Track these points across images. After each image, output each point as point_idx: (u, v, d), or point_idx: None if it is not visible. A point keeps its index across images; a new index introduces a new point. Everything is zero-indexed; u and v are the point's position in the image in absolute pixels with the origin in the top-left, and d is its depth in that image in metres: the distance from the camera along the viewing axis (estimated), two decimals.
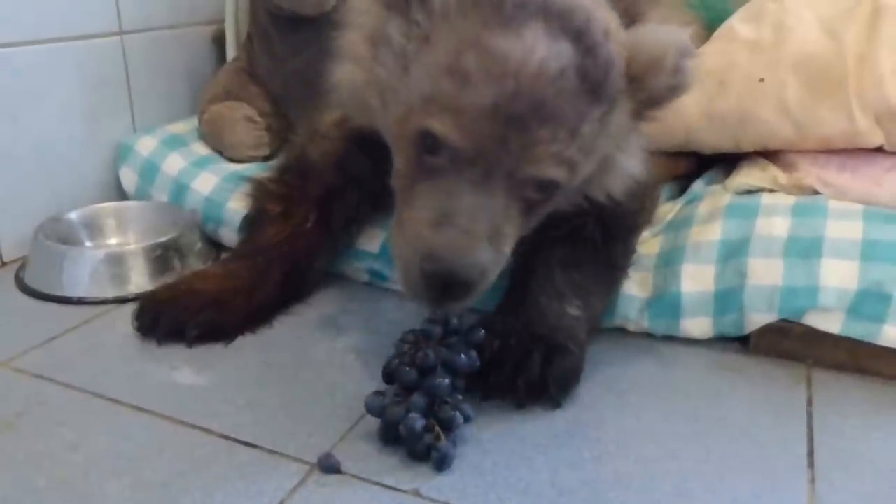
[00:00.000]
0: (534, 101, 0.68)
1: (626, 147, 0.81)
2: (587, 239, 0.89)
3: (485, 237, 0.70)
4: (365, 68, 0.79)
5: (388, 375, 0.77)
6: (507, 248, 0.73)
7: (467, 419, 0.74)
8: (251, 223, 1.04)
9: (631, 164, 0.83)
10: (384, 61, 0.75)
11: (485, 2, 0.69)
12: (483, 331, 0.79)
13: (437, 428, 0.71)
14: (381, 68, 0.76)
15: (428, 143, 0.71)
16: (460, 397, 0.75)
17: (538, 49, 0.68)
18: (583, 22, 0.70)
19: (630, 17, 1.27)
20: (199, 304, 0.92)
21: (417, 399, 0.73)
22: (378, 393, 0.75)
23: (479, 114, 0.68)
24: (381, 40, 0.76)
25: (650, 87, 0.73)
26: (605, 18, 0.72)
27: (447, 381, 0.74)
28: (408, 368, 0.75)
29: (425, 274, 0.70)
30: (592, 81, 0.70)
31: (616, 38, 0.72)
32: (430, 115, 0.70)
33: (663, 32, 0.74)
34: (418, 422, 0.71)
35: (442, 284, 0.70)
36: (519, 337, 0.81)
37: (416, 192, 0.73)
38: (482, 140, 0.69)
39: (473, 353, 0.77)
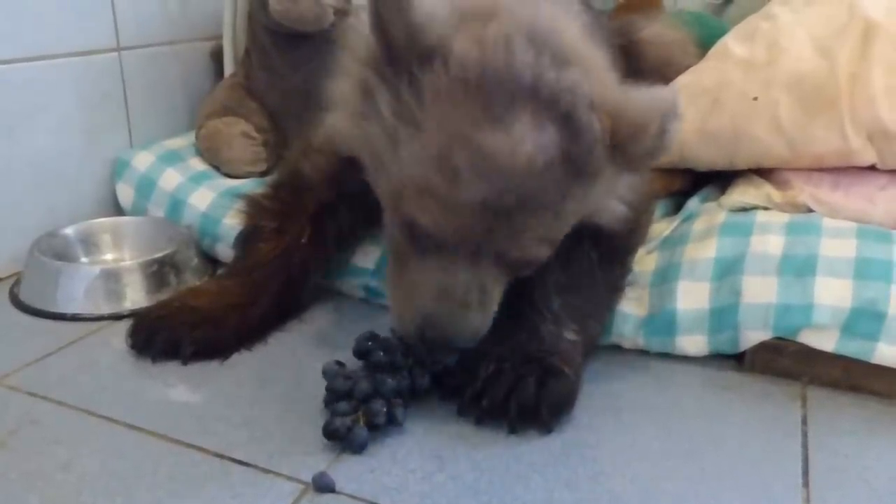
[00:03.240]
0: (521, 196, 0.70)
1: (614, 192, 0.82)
2: (584, 260, 0.89)
3: (476, 304, 0.75)
4: (355, 122, 0.81)
5: (359, 352, 0.82)
6: (496, 304, 0.79)
7: (391, 420, 0.78)
8: (245, 239, 1.04)
9: (617, 206, 0.85)
10: (373, 129, 0.77)
11: (474, 93, 0.69)
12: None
13: (362, 417, 0.77)
14: (370, 131, 0.77)
15: (418, 232, 0.74)
16: (400, 403, 0.79)
17: (526, 144, 0.69)
18: (569, 104, 0.71)
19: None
20: (193, 322, 0.92)
21: (363, 384, 0.78)
22: (340, 363, 0.82)
23: (468, 209, 0.70)
24: (371, 104, 0.77)
25: (633, 152, 0.75)
26: (590, 88, 0.72)
27: (392, 380, 0.79)
28: (381, 352, 0.81)
29: (426, 339, 0.76)
30: (577, 164, 0.72)
31: (601, 105, 0.73)
32: (418, 206, 0.73)
33: (649, 97, 0.75)
34: (342, 406, 0.78)
35: (446, 348, 0.78)
36: (514, 361, 0.81)
37: (412, 263, 0.77)
38: (469, 232, 0.72)
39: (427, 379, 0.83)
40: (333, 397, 0.79)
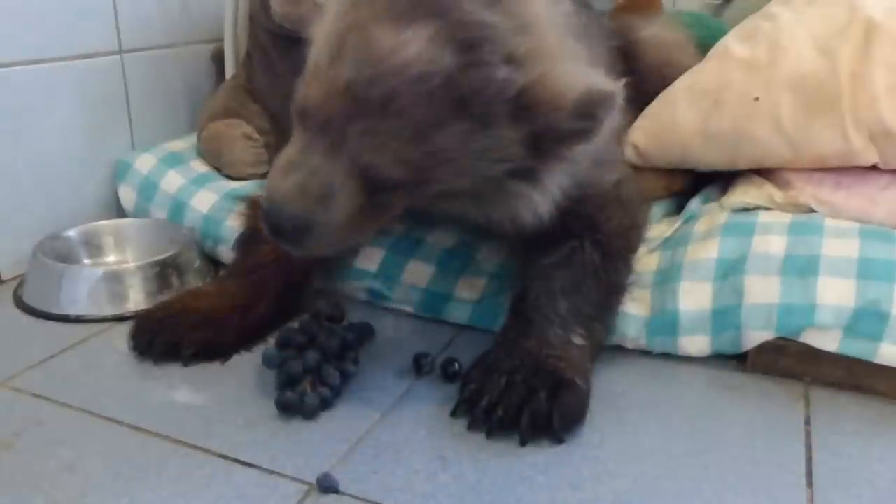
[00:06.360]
0: (385, 92, 0.69)
1: (537, 182, 0.80)
2: (587, 262, 0.89)
3: (317, 196, 0.73)
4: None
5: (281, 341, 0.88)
6: (341, 213, 0.74)
7: (344, 374, 0.85)
8: (246, 241, 1.04)
9: (539, 201, 0.81)
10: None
11: None
12: (457, 364, 0.89)
13: (316, 382, 0.83)
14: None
15: (296, 113, 0.76)
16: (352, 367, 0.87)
17: (411, 48, 0.69)
18: (476, 37, 0.70)
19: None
20: (194, 324, 0.93)
21: (309, 355, 0.84)
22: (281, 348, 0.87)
23: (336, 89, 0.71)
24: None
25: (545, 123, 0.73)
26: (519, 42, 0.72)
27: (333, 339, 0.86)
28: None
29: (262, 213, 0.76)
30: (461, 95, 0.70)
31: (524, 67, 0.72)
32: (304, 86, 0.75)
33: (581, 75, 0.74)
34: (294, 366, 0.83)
35: (274, 225, 0.75)
36: (525, 373, 0.80)
37: (292, 138, 0.78)
38: (332, 114, 0.72)
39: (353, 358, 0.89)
40: (284, 375, 0.84)
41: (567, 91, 0.71)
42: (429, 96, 0.70)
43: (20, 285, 1.12)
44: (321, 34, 0.76)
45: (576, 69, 0.75)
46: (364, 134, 0.71)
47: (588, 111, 0.72)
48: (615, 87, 0.72)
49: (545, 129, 0.73)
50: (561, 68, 0.74)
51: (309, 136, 0.74)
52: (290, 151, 0.76)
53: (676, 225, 1.09)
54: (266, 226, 0.76)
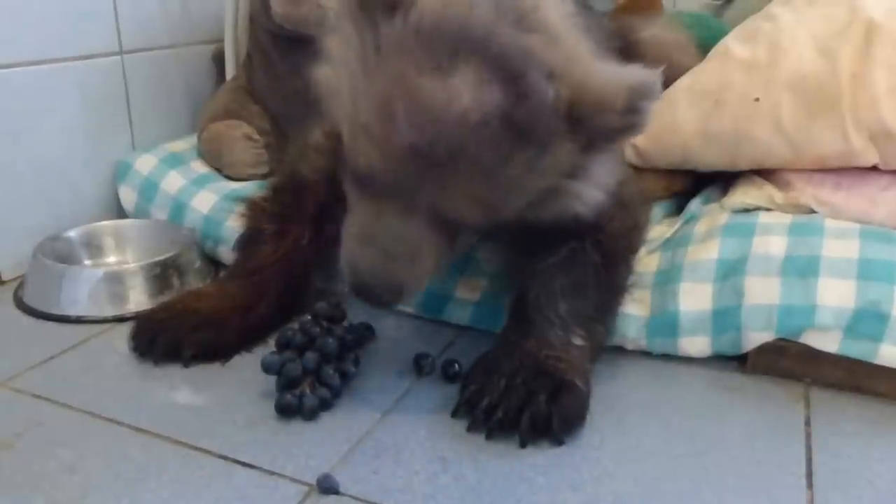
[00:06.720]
0: (452, 147, 0.69)
1: (586, 176, 0.80)
2: (588, 263, 0.89)
3: (403, 258, 0.75)
4: (339, 74, 0.80)
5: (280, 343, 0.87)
6: (428, 265, 0.77)
7: (344, 375, 0.86)
8: (246, 242, 1.04)
9: (592, 194, 0.82)
10: (343, 77, 0.77)
11: (424, 42, 0.70)
12: (457, 365, 0.90)
13: (315, 383, 0.83)
14: (341, 79, 0.78)
15: (357, 177, 0.76)
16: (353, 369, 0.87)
17: (464, 96, 0.68)
18: (520, 65, 0.70)
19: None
20: (194, 325, 0.92)
21: (308, 356, 0.84)
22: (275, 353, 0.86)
23: (400, 153, 0.70)
24: (344, 52, 0.77)
25: (596, 128, 0.73)
26: (553, 58, 0.72)
27: (332, 340, 0.86)
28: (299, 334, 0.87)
29: (350, 285, 0.78)
30: (520, 127, 0.70)
31: (565, 78, 0.71)
32: (358, 149, 0.74)
33: (619, 73, 0.74)
34: (294, 368, 0.83)
35: (366, 295, 0.77)
36: (525, 375, 0.80)
37: (354, 205, 0.78)
38: (401, 177, 0.72)
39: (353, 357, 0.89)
40: (283, 379, 0.84)
41: (612, 92, 0.71)
42: (491, 137, 0.69)
43: (20, 286, 1.12)
44: (352, 88, 0.75)
45: (609, 67, 0.75)
46: (437, 189, 0.72)
47: (636, 106, 0.72)
48: (654, 76, 0.73)
49: (599, 132, 0.74)
50: (596, 70, 0.74)
51: (377, 200, 0.75)
52: (360, 220, 0.77)
53: (677, 226, 1.09)
54: (356, 294, 0.78)
